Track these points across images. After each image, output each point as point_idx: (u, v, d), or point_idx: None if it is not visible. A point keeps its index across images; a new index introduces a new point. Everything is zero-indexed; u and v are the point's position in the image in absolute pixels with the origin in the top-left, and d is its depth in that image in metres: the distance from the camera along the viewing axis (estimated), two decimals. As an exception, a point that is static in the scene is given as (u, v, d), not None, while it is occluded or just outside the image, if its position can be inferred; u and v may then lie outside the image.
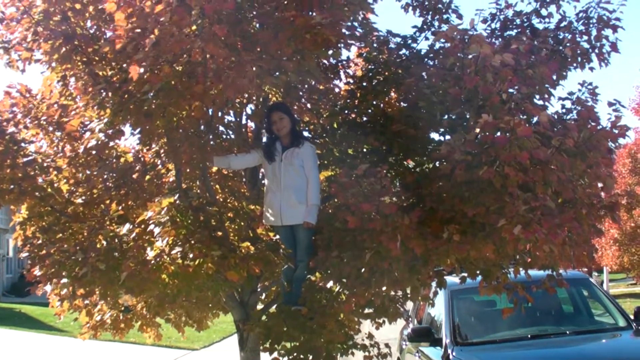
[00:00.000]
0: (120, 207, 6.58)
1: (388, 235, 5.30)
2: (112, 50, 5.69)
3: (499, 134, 5.24)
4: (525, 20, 7.25)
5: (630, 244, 29.79)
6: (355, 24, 6.11)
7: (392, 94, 7.19)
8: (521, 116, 5.32)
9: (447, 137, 6.03)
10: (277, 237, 6.83)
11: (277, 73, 5.96)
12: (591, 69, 7.04)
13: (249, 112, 7.38)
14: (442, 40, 5.90)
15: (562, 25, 7.19)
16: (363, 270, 5.90)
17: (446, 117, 5.92)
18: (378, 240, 5.40)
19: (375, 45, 7.04)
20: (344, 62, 7.80)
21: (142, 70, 5.25)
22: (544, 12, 7.33)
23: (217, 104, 5.83)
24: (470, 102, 5.54)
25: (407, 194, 5.92)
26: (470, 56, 5.43)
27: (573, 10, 7.31)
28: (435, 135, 6.73)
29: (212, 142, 6.55)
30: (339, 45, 5.92)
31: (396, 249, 5.31)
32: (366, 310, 6.81)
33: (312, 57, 5.95)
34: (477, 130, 5.19)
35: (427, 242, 5.41)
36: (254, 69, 5.44)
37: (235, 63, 5.47)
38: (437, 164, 6.12)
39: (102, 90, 5.77)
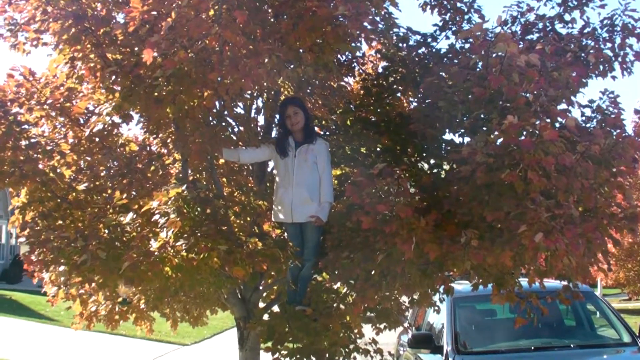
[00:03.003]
0: (123, 196, 6.34)
1: (403, 238, 5.10)
2: (124, 33, 5.51)
3: (522, 137, 5.04)
4: (548, 24, 7.06)
5: (626, 260, 29.60)
6: (377, 18, 5.91)
7: (409, 92, 6.99)
8: (546, 119, 5.11)
9: (467, 138, 5.84)
10: (285, 234, 6.66)
11: (292, 66, 5.77)
12: (613, 77, 6.85)
13: (260, 105, 7.18)
14: (463, 39, 5.69)
15: (585, 31, 7.00)
16: (373, 272, 5.71)
17: (467, 118, 5.69)
18: (392, 243, 5.21)
19: (394, 42, 6.84)
20: (359, 59, 7.62)
21: (156, 54, 5.04)
22: (567, 17, 7.15)
23: (230, 93, 5.62)
24: (494, 102, 5.34)
25: (422, 196, 5.70)
26: (494, 55, 5.23)
27: (597, 17, 7.16)
28: (450, 137, 6.56)
29: (222, 134, 6.33)
30: (359, 39, 5.72)
31: (410, 252, 5.11)
32: (367, 314, 6.65)
33: (331, 50, 5.76)
34: (501, 132, 4.99)
35: (443, 246, 5.21)
36: (273, 58, 5.25)
37: (253, 52, 5.29)
38: (454, 165, 5.91)
39: (112, 74, 5.56)
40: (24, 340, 19.99)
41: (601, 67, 6.73)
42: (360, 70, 7.70)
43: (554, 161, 4.84)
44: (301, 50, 5.71)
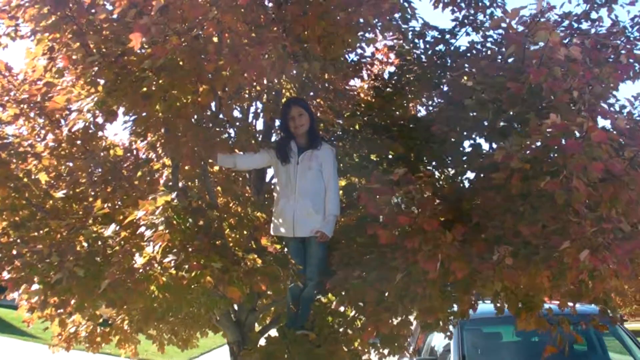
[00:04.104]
0: (106, 205, 5.69)
1: (427, 255, 4.42)
2: (108, 20, 4.87)
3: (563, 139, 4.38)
4: (574, 23, 6.43)
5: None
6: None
7: (425, 94, 6.36)
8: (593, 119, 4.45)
9: (494, 142, 5.18)
10: (285, 250, 6.05)
11: (297, 60, 5.14)
12: (647, 80, 6.21)
13: (259, 107, 6.55)
14: (494, 28, 5.04)
15: (614, 30, 6.37)
16: (387, 294, 5.04)
17: (498, 119, 5.02)
18: (413, 260, 4.53)
19: (410, 37, 6.22)
20: (368, 59, 7.00)
21: (144, 39, 4.39)
22: (593, 15, 6.53)
23: (229, 89, 5.00)
24: (531, 101, 4.67)
25: (444, 207, 4.99)
26: (532, 48, 4.59)
27: (627, 15, 6.55)
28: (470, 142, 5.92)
29: (218, 137, 5.67)
30: (376, 29, 5.10)
31: (435, 271, 4.43)
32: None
33: (342, 43, 5.14)
34: (541, 134, 4.32)
35: (472, 264, 4.52)
36: (279, 48, 4.61)
37: (256, 40, 4.65)
38: (480, 173, 5.25)
39: (94, 64, 4.90)
40: (6, 358, 19.24)
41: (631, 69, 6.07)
42: (368, 72, 7.06)
43: (603, 167, 4.18)
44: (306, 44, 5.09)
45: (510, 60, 5.03)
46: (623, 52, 6.00)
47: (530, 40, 4.54)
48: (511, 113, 4.81)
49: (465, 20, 6.41)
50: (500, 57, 5.24)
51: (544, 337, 7.51)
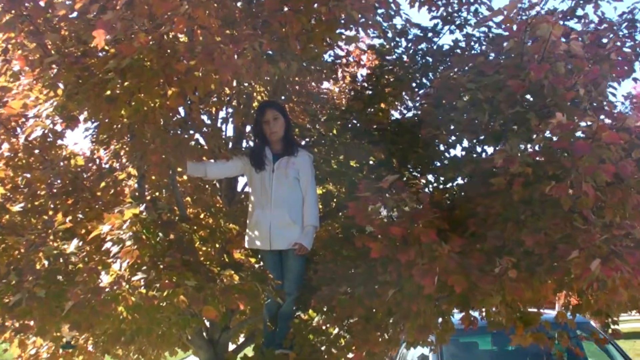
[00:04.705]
0: (67, 219, 5.27)
1: (423, 268, 4.04)
2: (68, 17, 4.44)
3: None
4: (560, 20, 6.12)
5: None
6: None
7: (407, 96, 6.01)
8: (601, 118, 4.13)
9: (488, 145, 4.83)
10: (261, 264, 5.70)
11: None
12: (635, 79, 5.91)
13: (228, 112, 6.16)
14: (492, 21, 4.70)
15: (601, 27, 6.08)
16: (375, 310, 4.66)
17: (494, 120, 4.66)
18: (407, 275, 4.14)
19: (390, 35, 5.86)
20: (342, 60, 6.65)
21: (108, 36, 3.97)
22: (579, 12, 6.23)
23: (200, 92, 4.60)
24: (532, 100, 4.33)
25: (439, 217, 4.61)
26: (529, 43, 4.25)
27: (613, 11, 6.30)
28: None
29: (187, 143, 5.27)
30: (359, 26, 4.73)
31: (432, 286, 4.05)
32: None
33: (321, 40, 4.77)
34: (543, 135, 3.98)
35: (471, 277, 4.14)
36: (256, 46, 4.22)
37: (230, 38, 4.25)
38: (471, 178, 4.89)
39: (53, 66, 4.47)
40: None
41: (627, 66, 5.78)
42: (343, 74, 6.69)
43: (614, 170, 3.84)
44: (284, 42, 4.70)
45: (503, 57, 4.68)
46: (613, 50, 5.75)
47: (530, 35, 4.19)
48: (508, 114, 4.44)
49: (449, 18, 6.05)
50: (493, 54, 4.88)
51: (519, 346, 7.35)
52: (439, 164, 5.45)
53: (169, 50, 4.32)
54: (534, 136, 4.10)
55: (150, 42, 4.23)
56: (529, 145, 4.25)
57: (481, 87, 4.46)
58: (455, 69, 5.06)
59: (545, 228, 4.10)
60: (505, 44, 4.52)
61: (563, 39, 4.24)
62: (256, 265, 5.75)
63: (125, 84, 4.48)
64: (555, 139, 4.04)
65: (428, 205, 4.19)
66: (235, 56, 4.24)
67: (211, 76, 4.31)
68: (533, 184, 4.08)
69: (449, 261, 4.04)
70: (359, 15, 4.49)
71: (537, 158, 4.09)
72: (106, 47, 4.36)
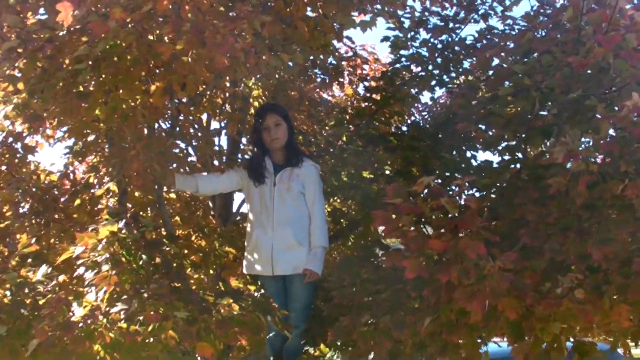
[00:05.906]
0: (33, 241, 4.71)
1: (468, 291, 3.30)
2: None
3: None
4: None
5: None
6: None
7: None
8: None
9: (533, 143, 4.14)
10: (262, 291, 4.99)
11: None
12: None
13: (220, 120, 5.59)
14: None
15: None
16: (404, 344, 3.93)
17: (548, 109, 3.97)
18: (447, 298, 3.40)
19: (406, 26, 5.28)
20: (349, 61, 6.17)
21: (77, 12, 3.26)
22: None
23: (189, 87, 3.91)
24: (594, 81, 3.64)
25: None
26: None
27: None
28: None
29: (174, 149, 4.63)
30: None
31: (479, 312, 3.31)
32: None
33: (330, 27, 4.16)
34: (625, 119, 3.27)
35: (526, 300, 3.41)
36: (256, 23, 3.55)
37: (225, 16, 3.57)
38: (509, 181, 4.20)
39: (12, 54, 3.78)
40: None
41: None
42: (350, 76, 6.11)
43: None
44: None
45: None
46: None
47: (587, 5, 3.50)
48: (565, 100, 3.74)
49: (471, 6, 5.40)
50: (542, 31, 4.18)
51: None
52: (471, 171, 4.78)
53: (151, 32, 3.62)
54: (599, 125, 3.38)
55: (130, 24, 3.54)
56: (589, 140, 3.54)
57: (529, 70, 3.75)
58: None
59: (615, 238, 3.38)
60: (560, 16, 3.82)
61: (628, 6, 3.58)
62: (256, 294, 5.07)
63: (100, 77, 3.82)
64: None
65: (475, 212, 3.44)
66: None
67: (202, 63, 3.64)
68: (599, 184, 3.37)
69: (501, 281, 3.29)
70: None
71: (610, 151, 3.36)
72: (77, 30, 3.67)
